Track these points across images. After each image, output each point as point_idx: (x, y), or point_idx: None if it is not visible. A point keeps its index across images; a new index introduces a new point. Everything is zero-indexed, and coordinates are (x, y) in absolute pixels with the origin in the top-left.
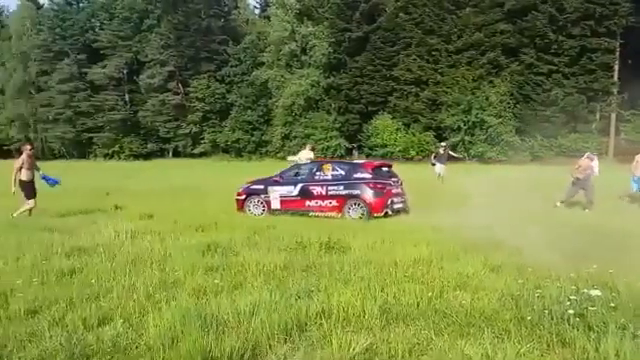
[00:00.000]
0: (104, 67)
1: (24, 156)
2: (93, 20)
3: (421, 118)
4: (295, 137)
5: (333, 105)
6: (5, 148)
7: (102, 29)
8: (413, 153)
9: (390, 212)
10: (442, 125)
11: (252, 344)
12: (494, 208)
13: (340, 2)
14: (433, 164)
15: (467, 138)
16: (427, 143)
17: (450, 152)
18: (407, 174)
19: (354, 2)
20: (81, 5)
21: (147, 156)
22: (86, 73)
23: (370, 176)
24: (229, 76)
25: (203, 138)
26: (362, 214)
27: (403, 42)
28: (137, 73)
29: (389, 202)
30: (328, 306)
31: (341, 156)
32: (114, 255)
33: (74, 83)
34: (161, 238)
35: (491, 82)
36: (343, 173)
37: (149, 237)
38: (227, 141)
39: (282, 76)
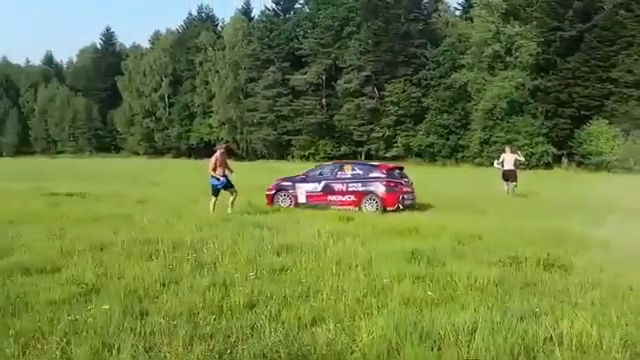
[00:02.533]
0: (305, 74)
1: (217, 155)
2: (297, 29)
3: None
4: (495, 142)
5: (540, 109)
6: (215, 149)
7: (305, 38)
8: (632, 163)
9: (401, 207)
10: None
11: None
12: None
13: (551, 0)
14: None
15: None
16: None
17: None
18: (628, 188)
19: (566, 0)
20: (287, 16)
21: (341, 158)
22: (288, 79)
23: (384, 175)
24: (426, 79)
25: (396, 142)
26: (377, 208)
27: (623, 41)
28: (335, 79)
29: (400, 198)
30: (558, 332)
31: (547, 164)
32: (319, 255)
33: (277, 89)
34: (362, 242)
35: None
36: (361, 172)
37: (349, 240)
38: (421, 145)
39: (483, 78)
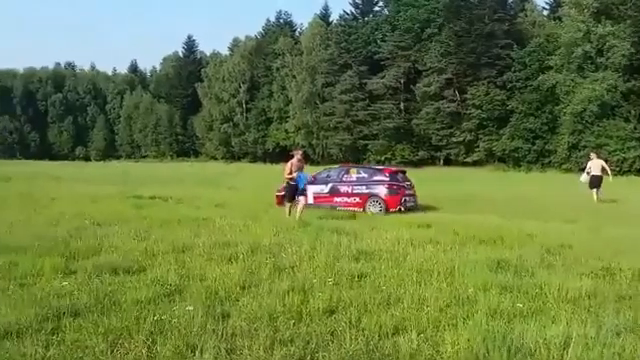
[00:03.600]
0: (383, 77)
1: (294, 160)
2: (376, 33)
3: None
4: (584, 147)
5: (633, 112)
6: (291, 153)
7: (384, 41)
8: None
9: (403, 209)
10: None
11: None
12: None
13: None
14: None
15: None
16: None
17: None
18: None
19: None
20: (366, 19)
21: (418, 163)
22: (366, 83)
23: (387, 179)
24: (511, 82)
25: (478, 146)
26: (380, 209)
27: None
28: (414, 82)
29: (402, 200)
30: None
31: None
32: (398, 262)
33: (354, 93)
34: (443, 249)
35: None
36: (366, 176)
37: (430, 247)
38: (504, 150)
39: (572, 80)
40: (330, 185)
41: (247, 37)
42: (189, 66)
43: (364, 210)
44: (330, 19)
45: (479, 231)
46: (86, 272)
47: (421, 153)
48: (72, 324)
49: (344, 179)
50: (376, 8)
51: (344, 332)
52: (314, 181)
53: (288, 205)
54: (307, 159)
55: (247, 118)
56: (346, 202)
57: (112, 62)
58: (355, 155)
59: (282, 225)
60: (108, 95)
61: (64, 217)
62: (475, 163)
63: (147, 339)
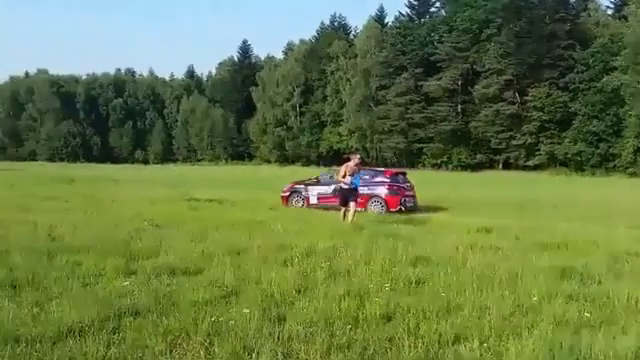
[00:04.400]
0: (439, 79)
1: (351, 163)
2: (433, 34)
3: None
4: None
5: None
6: (346, 157)
7: (441, 42)
8: None
9: (403, 209)
10: None
11: None
12: None
13: None
14: None
15: None
16: None
17: None
18: None
19: None
20: (422, 20)
21: (475, 167)
22: (421, 86)
23: (388, 180)
24: (574, 83)
25: (539, 150)
26: (381, 209)
27: None
28: (472, 84)
29: (403, 200)
30: None
31: None
32: (458, 268)
33: (409, 96)
34: (504, 255)
35: None
36: (368, 177)
37: (490, 253)
38: (567, 153)
39: (638, 82)
40: (333, 186)
41: (301, 41)
42: (244, 70)
43: (366, 210)
44: (385, 21)
45: (542, 237)
46: (145, 273)
47: (479, 156)
48: (132, 323)
49: None
50: (432, 9)
51: (402, 339)
52: (318, 182)
53: (343, 209)
54: (361, 163)
55: (301, 122)
56: None
57: (170, 67)
58: (410, 159)
59: (337, 229)
60: (166, 100)
61: (124, 218)
62: (536, 167)
63: (205, 340)
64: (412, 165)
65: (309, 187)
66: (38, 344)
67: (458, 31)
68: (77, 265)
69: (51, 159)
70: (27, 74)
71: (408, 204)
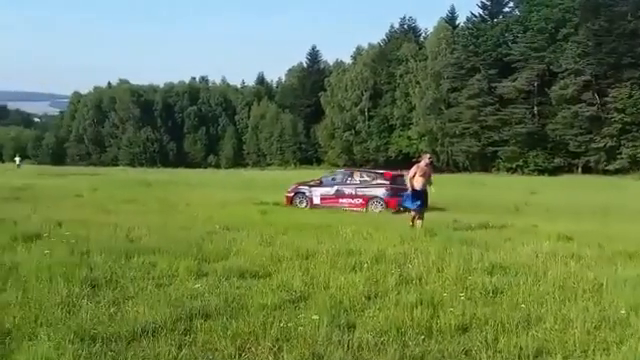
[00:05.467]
0: (514, 80)
1: (422, 164)
2: (506, 34)
3: None
4: None
5: None
6: (414, 161)
7: (515, 42)
8: None
9: (402, 209)
10: None
11: None
12: None
13: None
14: None
15: None
16: None
17: None
18: None
19: None
20: (495, 21)
21: (553, 171)
22: (495, 87)
23: (388, 182)
24: None
25: (620, 153)
26: (381, 210)
27: None
28: (548, 84)
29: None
30: None
31: None
32: (538, 278)
33: (482, 98)
34: (587, 264)
35: None
36: (368, 179)
37: (572, 262)
38: None
39: None
40: (335, 188)
41: (370, 45)
42: (313, 76)
43: (366, 210)
44: (456, 22)
45: (627, 245)
46: (216, 275)
47: (557, 160)
48: (203, 325)
49: (348, 182)
50: (506, 9)
51: (479, 352)
52: (321, 184)
53: (413, 214)
54: (433, 166)
55: (369, 125)
56: (350, 203)
57: (241, 75)
58: (483, 163)
59: (407, 234)
60: (237, 106)
61: (197, 221)
62: (617, 171)
63: (273, 345)
64: (486, 169)
65: (312, 188)
66: (113, 343)
67: (533, 31)
68: (152, 266)
69: (131, 164)
70: (110, 84)
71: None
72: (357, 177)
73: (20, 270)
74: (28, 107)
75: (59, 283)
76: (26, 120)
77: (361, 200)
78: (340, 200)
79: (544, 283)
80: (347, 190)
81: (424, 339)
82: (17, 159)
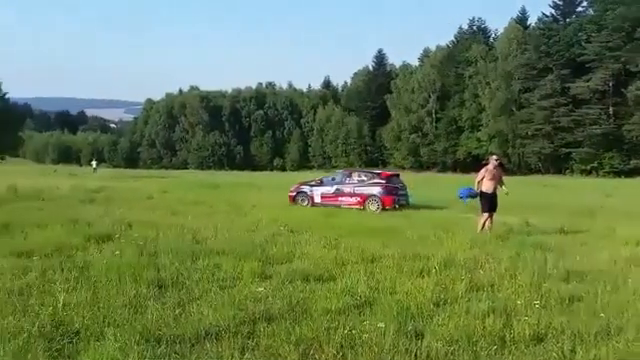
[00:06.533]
0: (588, 80)
1: (490, 166)
2: (580, 34)
3: None
4: None
5: None
6: (483, 163)
7: (589, 42)
8: None
9: (397, 206)
10: None
11: None
12: None
13: None
14: None
15: None
16: None
17: None
18: None
19: None
20: (568, 20)
21: (629, 173)
22: (568, 88)
23: (384, 181)
24: None
25: None
26: (377, 207)
27: None
28: (624, 84)
29: (396, 199)
30: None
31: None
32: (617, 285)
33: (555, 99)
34: None
35: None
36: (365, 179)
37: None
38: None
39: None
40: (335, 187)
41: (438, 47)
42: (379, 79)
43: (364, 208)
44: (527, 23)
45: None
46: (280, 278)
47: (633, 162)
48: (266, 329)
49: (347, 182)
50: (579, 9)
51: None
52: (322, 183)
53: (483, 218)
54: (502, 169)
55: (436, 127)
56: (349, 201)
57: (307, 79)
58: (556, 165)
59: (477, 238)
60: (303, 110)
61: (261, 223)
62: None
63: (337, 352)
64: (558, 171)
65: (314, 187)
66: (177, 345)
67: (608, 30)
68: (217, 268)
69: (200, 167)
70: (181, 91)
71: (401, 201)
72: (355, 177)
73: (91, 270)
74: (105, 114)
75: (127, 283)
76: (103, 126)
77: (359, 198)
78: (339, 198)
79: (624, 291)
80: (346, 189)
81: (497, 349)
82: (93, 163)
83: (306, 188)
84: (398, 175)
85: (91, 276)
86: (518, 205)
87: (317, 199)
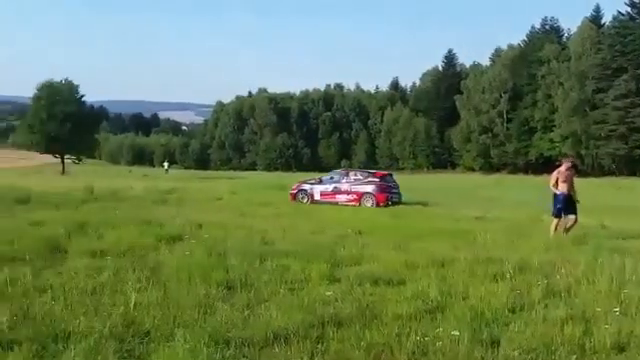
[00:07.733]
0: None
1: (562, 168)
2: None
3: None
4: None
5: None
6: (557, 164)
7: None
8: None
9: (390, 203)
10: None
11: None
12: None
13: None
14: None
15: None
16: None
17: None
18: None
19: None
20: None
21: None
22: None
23: (378, 180)
24: None
25: None
26: (372, 204)
27: None
28: None
29: (390, 197)
30: None
31: None
32: None
33: (631, 99)
34: None
35: None
36: (361, 178)
37: None
38: None
39: None
40: (333, 185)
41: (509, 46)
42: (448, 79)
43: (360, 205)
44: (602, 21)
45: None
46: (349, 281)
47: None
48: (335, 334)
49: (344, 181)
50: None
51: None
52: (321, 182)
53: (555, 221)
54: (575, 170)
55: (507, 128)
56: (346, 199)
57: (375, 80)
58: (630, 166)
59: (553, 242)
60: (370, 111)
61: (329, 224)
62: None
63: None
64: (633, 173)
65: (313, 186)
66: (246, 348)
67: None
68: (285, 269)
69: (267, 169)
70: (250, 93)
71: (394, 199)
72: (352, 176)
73: (162, 270)
74: (177, 116)
75: (197, 284)
76: (174, 128)
77: (355, 196)
78: (337, 196)
79: None
80: (343, 187)
81: (576, 358)
82: (165, 164)
83: (306, 186)
84: (391, 174)
85: (162, 276)
86: (592, 207)
87: (316, 196)
